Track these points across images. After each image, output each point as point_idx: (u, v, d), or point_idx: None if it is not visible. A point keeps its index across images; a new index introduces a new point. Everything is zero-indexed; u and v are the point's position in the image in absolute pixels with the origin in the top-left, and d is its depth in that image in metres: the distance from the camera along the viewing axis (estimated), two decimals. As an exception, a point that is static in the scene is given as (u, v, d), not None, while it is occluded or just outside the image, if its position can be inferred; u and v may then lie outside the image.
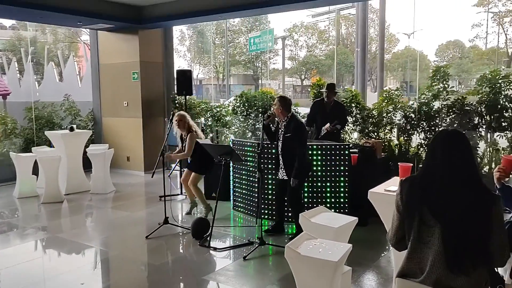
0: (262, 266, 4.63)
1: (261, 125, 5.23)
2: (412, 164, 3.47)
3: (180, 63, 34.76)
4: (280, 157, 5.17)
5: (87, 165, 7.96)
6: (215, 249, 5.01)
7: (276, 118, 5.19)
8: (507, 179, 3.00)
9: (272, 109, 5.24)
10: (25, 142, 8.92)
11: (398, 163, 3.47)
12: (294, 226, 5.38)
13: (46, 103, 9.44)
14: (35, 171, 7.61)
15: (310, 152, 5.61)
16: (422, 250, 2.19)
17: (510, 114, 6.40)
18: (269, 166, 5.75)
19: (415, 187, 2.24)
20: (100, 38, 9.72)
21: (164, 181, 5.74)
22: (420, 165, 6.72)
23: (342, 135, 7.55)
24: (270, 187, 5.83)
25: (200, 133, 6.08)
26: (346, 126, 7.34)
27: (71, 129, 7.85)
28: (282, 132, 5.12)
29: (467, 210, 2.10)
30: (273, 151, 5.53)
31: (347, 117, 7.20)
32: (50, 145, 8.26)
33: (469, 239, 2.08)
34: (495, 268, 2.34)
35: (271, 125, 5.27)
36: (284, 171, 5.17)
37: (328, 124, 6.28)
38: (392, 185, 3.47)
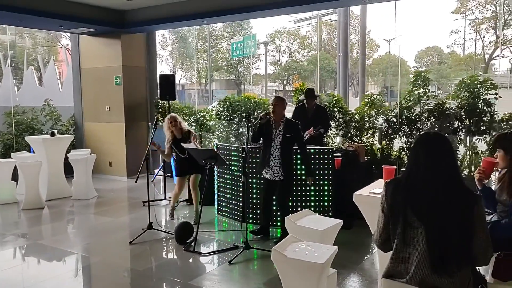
0: (247, 270, 4.63)
1: (244, 129, 5.22)
2: (395, 167, 3.52)
3: (162, 68, 34.57)
4: (278, 158, 5.12)
5: (68, 170, 7.84)
6: (200, 253, 4.99)
7: (271, 119, 5.17)
8: (486, 181, 3.08)
9: (270, 108, 5.21)
10: (4, 147, 8.75)
11: (382, 166, 3.51)
12: (280, 230, 5.41)
13: (26, 108, 9.28)
14: (15, 177, 7.47)
15: (294, 156, 5.64)
16: (407, 251, 2.22)
17: (489, 118, 6.55)
18: (253, 170, 5.76)
19: (399, 189, 2.27)
20: (82, 42, 9.61)
21: (148, 186, 5.69)
22: (403, 168, 6.82)
23: (325, 139, 7.61)
24: (254, 191, 5.83)
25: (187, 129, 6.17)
26: (329, 130, 7.39)
27: (52, 134, 7.73)
28: (281, 133, 5.12)
29: (450, 211, 2.14)
30: (258, 155, 5.53)
31: (330, 120, 7.25)
32: (30, 150, 8.11)
33: (453, 240, 2.12)
34: (477, 268, 2.39)
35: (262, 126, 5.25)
36: (277, 172, 5.15)
37: (311, 129, 6.31)
38: (377, 187, 3.52)
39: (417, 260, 2.17)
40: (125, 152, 9.16)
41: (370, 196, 3.36)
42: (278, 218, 5.61)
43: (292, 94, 7.42)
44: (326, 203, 5.69)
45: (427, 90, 7.05)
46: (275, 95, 5.40)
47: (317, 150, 5.70)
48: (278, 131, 5.13)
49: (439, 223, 2.14)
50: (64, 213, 7.00)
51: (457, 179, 2.22)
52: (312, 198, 5.70)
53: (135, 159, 9.04)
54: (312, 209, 5.57)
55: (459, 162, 6.86)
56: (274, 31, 36.59)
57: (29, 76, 12.92)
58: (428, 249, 2.13)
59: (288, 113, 8.06)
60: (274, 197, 5.39)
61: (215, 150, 5.89)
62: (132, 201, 7.62)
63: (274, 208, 5.55)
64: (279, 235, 5.41)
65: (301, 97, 6.89)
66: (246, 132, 5.16)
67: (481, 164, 3.10)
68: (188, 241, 5.23)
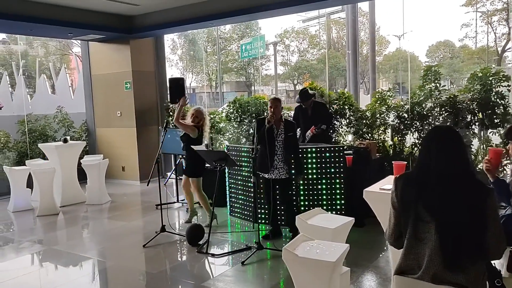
0: (260, 271, 4.61)
1: (254, 127, 5.24)
2: (406, 162, 3.47)
3: (173, 72, 34.78)
4: (282, 157, 5.19)
5: (82, 176, 7.92)
6: (213, 255, 4.99)
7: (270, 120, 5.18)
8: (495, 172, 3.01)
9: (269, 111, 5.21)
10: (18, 155, 8.87)
11: (393, 162, 3.47)
12: (289, 229, 5.41)
13: (39, 116, 9.40)
14: (30, 184, 7.57)
15: (305, 155, 5.63)
16: (418, 246, 2.19)
17: (502, 111, 6.44)
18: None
19: (410, 184, 2.24)
20: (92, 49, 9.72)
21: (160, 189, 5.71)
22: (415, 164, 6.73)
23: (335, 137, 7.57)
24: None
25: (206, 134, 6.08)
26: (336, 126, 7.36)
27: (65, 141, 7.82)
28: (282, 132, 5.19)
29: (462, 205, 2.11)
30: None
31: (331, 114, 7.16)
32: (44, 157, 8.22)
33: (465, 234, 2.08)
34: (492, 262, 2.35)
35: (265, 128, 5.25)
36: (280, 171, 5.21)
37: (313, 127, 6.30)
38: (387, 183, 3.48)
39: (429, 256, 2.14)
40: (137, 156, 9.23)
41: (381, 192, 3.32)
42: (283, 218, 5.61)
43: (314, 93, 7.38)
44: (338, 201, 5.65)
45: (438, 85, 6.96)
46: (272, 97, 5.42)
47: (328, 149, 5.67)
48: (279, 131, 5.19)
49: (451, 217, 2.11)
50: (78, 218, 7.08)
51: (468, 172, 2.19)
52: (324, 197, 5.67)
53: (147, 163, 9.10)
54: (324, 207, 5.54)
55: (473, 156, 6.76)
56: (283, 31, 36.58)
57: (42, 85, 13.09)
58: (440, 244, 2.10)
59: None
60: (277, 196, 5.44)
61: (225, 151, 5.88)
62: (145, 204, 7.67)
63: (279, 207, 5.56)
64: (290, 234, 5.38)
65: (297, 99, 6.85)
66: (255, 133, 5.16)
67: (488, 154, 3.04)
68: (200, 242, 5.24)
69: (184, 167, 6.12)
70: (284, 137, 5.17)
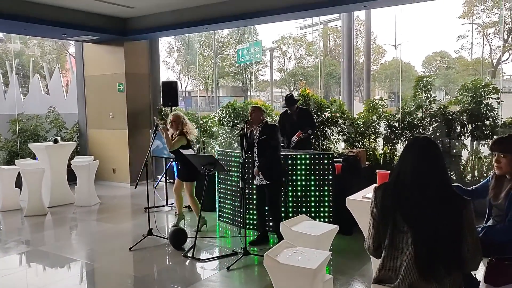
0: (246, 276, 4.61)
1: (244, 133, 5.25)
2: (389, 172, 3.49)
3: (169, 75, 34.75)
4: (256, 162, 5.25)
5: (71, 177, 7.89)
6: (198, 259, 4.98)
7: (251, 127, 5.25)
8: None
9: (248, 118, 5.31)
10: (8, 154, 8.83)
11: (376, 171, 3.49)
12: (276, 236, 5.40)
13: (30, 116, 9.37)
14: (19, 183, 7.53)
15: (294, 161, 5.64)
16: (396, 255, 2.20)
17: (491, 123, 6.49)
18: (251, 176, 5.76)
19: (388, 194, 2.26)
20: (86, 49, 9.71)
21: (148, 192, 5.70)
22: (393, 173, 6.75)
23: (326, 145, 7.60)
24: (254, 196, 5.82)
25: (192, 135, 6.04)
26: (328, 133, 7.40)
27: (55, 141, 7.79)
28: (257, 137, 5.23)
29: (438, 215, 2.12)
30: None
31: (315, 122, 7.20)
32: (34, 157, 8.18)
33: (441, 244, 2.10)
34: (473, 273, 2.36)
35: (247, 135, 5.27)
36: (260, 176, 5.24)
37: (299, 132, 6.35)
38: (370, 192, 3.49)
39: (406, 265, 2.15)
40: (128, 158, 9.21)
41: (363, 201, 3.34)
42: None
43: (298, 98, 7.43)
44: (326, 209, 5.66)
45: (429, 95, 7.01)
46: (252, 105, 5.48)
47: (317, 156, 5.69)
48: (255, 136, 5.25)
49: (427, 228, 2.12)
50: (66, 219, 7.04)
51: (445, 183, 2.20)
52: (312, 204, 5.68)
53: (138, 166, 9.06)
54: (312, 215, 5.56)
55: (462, 167, 6.81)
56: (280, 37, 36.66)
57: (35, 84, 13.05)
58: (415, 254, 2.11)
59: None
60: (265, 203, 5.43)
61: (214, 156, 5.89)
62: (135, 207, 7.64)
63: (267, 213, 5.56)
64: (278, 240, 5.38)
65: (282, 104, 6.93)
66: (244, 138, 5.16)
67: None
68: (185, 247, 5.25)
69: (176, 171, 6.10)
70: (258, 141, 5.22)
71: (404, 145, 2.48)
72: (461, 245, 2.09)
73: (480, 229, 2.94)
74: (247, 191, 5.79)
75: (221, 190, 6.43)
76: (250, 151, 5.28)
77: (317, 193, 5.65)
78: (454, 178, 6.69)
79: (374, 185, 3.87)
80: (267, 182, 5.24)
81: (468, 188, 3.18)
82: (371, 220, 2.35)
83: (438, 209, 2.13)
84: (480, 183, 3.18)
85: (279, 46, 35.86)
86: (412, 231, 2.14)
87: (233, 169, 6.06)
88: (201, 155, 5.74)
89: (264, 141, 5.19)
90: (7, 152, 8.83)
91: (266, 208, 5.46)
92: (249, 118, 5.27)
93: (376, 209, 2.29)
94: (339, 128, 7.67)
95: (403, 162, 2.27)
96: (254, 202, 5.74)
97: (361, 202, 3.34)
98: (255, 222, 5.87)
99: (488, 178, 3.12)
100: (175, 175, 6.38)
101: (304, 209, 5.65)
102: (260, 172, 5.21)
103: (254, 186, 5.52)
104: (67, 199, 7.78)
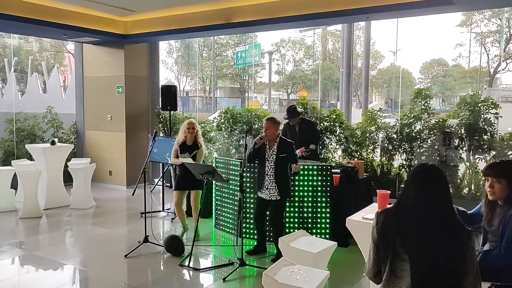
0: (241, 288, 4.60)
1: (244, 142, 5.22)
2: (389, 192, 3.48)
3: (167, 75, 34.67)
4: (273, 177, 5.13)
5: (68, 179, 7.85)
6: (194, 269, 4.97)
7: (265, 142, 5.16)
8: None
9: (262, 132, 5.21)
10: (5, 154, 8.78)
11: (377, 190, 3.49)
12: (275, 247, 5.37)
13: (28, 115, 9.32)
14: (14, 184, 7.48)
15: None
16: (395, 283, 2.19)
17: (489, 137, 6.52)
18: (251, 185, 5.75)
19: (389, 220, 2.25)
20: (85, 50, 9.67)
21: (145, 198, 5.66)
22: (402, 185, 6.79)
23: (324, 154, 7.59)
24: (251, 206, 5.81)
25: (202, 142, 6.08)
26: (326, 143, 7.39)
27: (53, 143, 7.75)
28: (275, 153, 5.13)
29: (439, 245, 2.11)
30: (255, 170, 5.52)
31: (319, 133, 7.15)
32: (30, 158, 8.13)
33: (440, 275, 2.08)
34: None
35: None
36: (271, 191, 5.15)
37: (302, 148, 6.25)
38: (370, 212, 3.49)
39: (405, 293, 2.14)
40: (125, 161, 9.17)
41: (363, 222, 3.33)
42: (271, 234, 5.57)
43: (295, 104, 7.42)
44: (323, 220, 5.65)
45: (428, 108, 7.03)
46: (266, 118, 5.35)
47: (315, 167, 5.68)
48: (271, 151, 5.15)
49: (425, 257, 2.11)
50: (61, 223, 6.99)
51: (450, 215, 2.18)
52: (310, 215, 5.66)
53: (134, 168, 9.06)
54: (309, 225, 5.55)
55: (458, 181, 6.83)
56: (279, 40, 36.67)
57: (33, 82, 13.00)
58: (411, 282, 2.10)
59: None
60: (267, 213, 5.38)
61: (213, 165, 5.86)
62: (130, 211, 7.61)
63: (268, 224, 5.53)
64: (275, 251, 5.36)
65: (284, 117, 6.81)
66: (244, 147, 5.15)
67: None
68: (182, 254, 5.25)
69: (178, 180, 5.98)
70: (276, 158, 5.12)
71: (410, 171, 2.47)
72: (462, 276, 2.08)
73: (477, 252, 2.94)
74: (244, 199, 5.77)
75: (218, 198, 6.42)
76: (262, 165, 5.20)
77: (314, 204, 5.64)
78: (451, 191, 6.72)
79: (373, 204, 3.89)
80: (277, 198, 5.17)
81: (469, 212, 3.17)
82: (372, 245, 2.34)
83: (439, 238, 2.11)
84: (474, 209, 3.18)
85: (278, 49, 35.89)
86: (411, 261, 2.13)
87: (231, 177, 6.05)
88: (200, 164, 5.69)
89: (286, 158, 5.11)
90: (3, 151, 8.78)
91: (267, 218, 5.42)
92: (264, 133, 5.14)
93: (377, 235, 2.28)
94: (337, 138, 7.68)
95: (408, 189, 2.26)
96: (252, 211, 5.70)
97: (361, 223, 3.33)
98: (252, 231, 5.85)
99: (480, 204, 3.12)
100: (173, 187, 6.24)
101: (301, 220, 5.64)
102: (273, 188, 5.14)
103: (255, 197, 5.45)
104: (62, 201, 7.74)
